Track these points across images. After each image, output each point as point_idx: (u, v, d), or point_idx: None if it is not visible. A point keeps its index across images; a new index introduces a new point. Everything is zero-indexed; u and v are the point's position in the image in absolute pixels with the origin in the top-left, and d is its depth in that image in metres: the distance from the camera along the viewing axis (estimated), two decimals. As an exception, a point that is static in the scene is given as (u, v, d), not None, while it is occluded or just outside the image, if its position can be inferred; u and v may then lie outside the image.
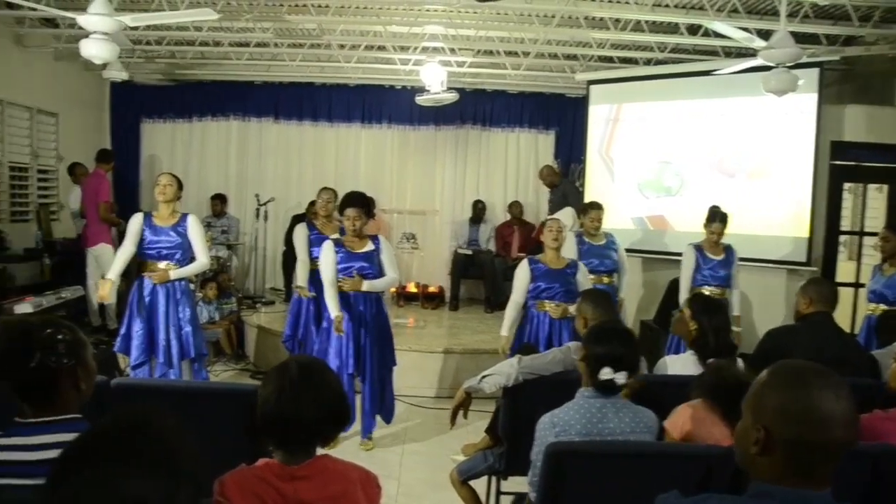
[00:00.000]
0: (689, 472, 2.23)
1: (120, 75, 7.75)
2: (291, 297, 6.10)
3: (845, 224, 7.57)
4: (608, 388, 2.48)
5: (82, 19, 5.08)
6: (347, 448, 4.93)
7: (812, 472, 1.37)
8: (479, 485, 3.69)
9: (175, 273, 4.91)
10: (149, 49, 8.47)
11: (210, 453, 1.35)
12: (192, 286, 7.08)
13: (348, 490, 1.84)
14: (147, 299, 4.90)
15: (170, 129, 9.83)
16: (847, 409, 1.37)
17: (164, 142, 9.83)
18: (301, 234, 5.89)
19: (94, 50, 5.17)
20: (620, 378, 2.46)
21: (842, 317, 4.57)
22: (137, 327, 4.87)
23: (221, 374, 6.81)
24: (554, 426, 2.46)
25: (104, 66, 7.32)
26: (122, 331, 4.96)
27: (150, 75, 9.30)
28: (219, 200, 9.21)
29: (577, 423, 2.45)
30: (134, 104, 9.61)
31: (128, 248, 4.93)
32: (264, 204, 9.01)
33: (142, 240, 4.92)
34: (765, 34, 5.75)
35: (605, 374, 2.44)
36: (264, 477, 1.77)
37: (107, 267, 7.18)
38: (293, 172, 9.84)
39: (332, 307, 4.78)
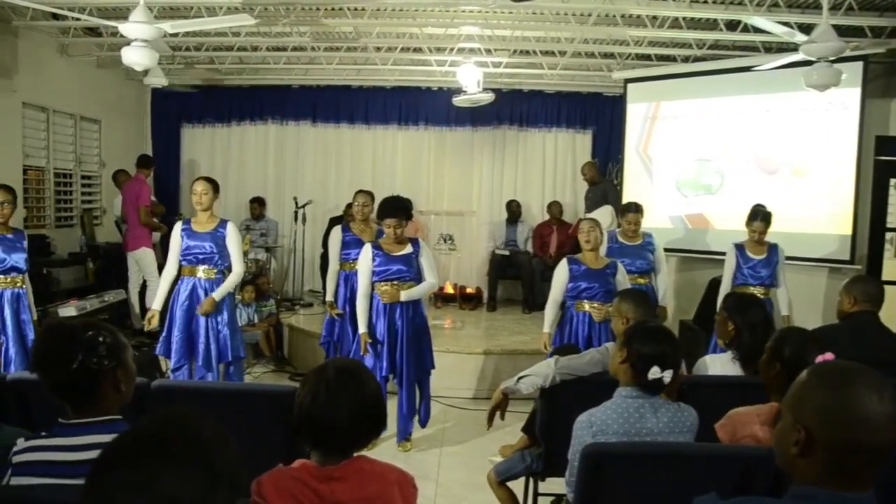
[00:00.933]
0: (729, 474, 2.20)
1: (160, 81, 7.89)
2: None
3: (891, 221, 7.38)
4: (655, 388, 2.45)
5: (123, 27, 5.19)
6: (384, 450, 4.94)
7: (854, 474, 1.34)
8: (517, 486, 3.68)
9: (218, 296, 4.95)
10: (188, 55, 8.60)
11: (248, 454, 1.36)
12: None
13: (385, 491, 1.84)
14: (186, 304, 4.97)
15: (209, 133, 9.98)
16: (890, 410, 1.34)
17: (203, 146, 9.99)
18: (335, 237, 5.87)
19: (135, 57, 5.28)
20: (667, 376, 2.43)
21: (890, 317, 4.45)
22: (177, 331, 4.95)
23: (261, 375, 6.89)
24: (591, 426, 2.44)
25: (145, 72, 7.47)
26: (164, 334, 5.05)
27: (189, 81, 9.46)
28: (257, 204, 9.31)
29: (615, 423, 2.42)
30: (174, 110, 9.79)
31: (171, 271, 5.03)
32: (302, 207, 9.10)
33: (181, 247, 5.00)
34: (806, 28, 5.64)
35: (654, 373, 2.40)
36: (301, 477, 1.78)
37: (147, 270, 7.39)
38: (331, 175, 9.91)
39: (362, 322, 4.82)
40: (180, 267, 5.04)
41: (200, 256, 4.98)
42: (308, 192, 9.61)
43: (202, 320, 4.95)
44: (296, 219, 9.16)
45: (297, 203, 9.16)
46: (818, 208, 6.85)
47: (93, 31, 7.75)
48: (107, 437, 1.33)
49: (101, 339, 1.81)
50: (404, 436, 5.10)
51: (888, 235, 7.38)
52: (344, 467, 1.81)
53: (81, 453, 1.70)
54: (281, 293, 8.99)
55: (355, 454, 1.86)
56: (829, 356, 2.28)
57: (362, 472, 1.83)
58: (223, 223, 5.06)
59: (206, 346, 4.95)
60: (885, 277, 6.81)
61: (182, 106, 9.79)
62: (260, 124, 9.93)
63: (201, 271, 4.98)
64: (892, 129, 6.79)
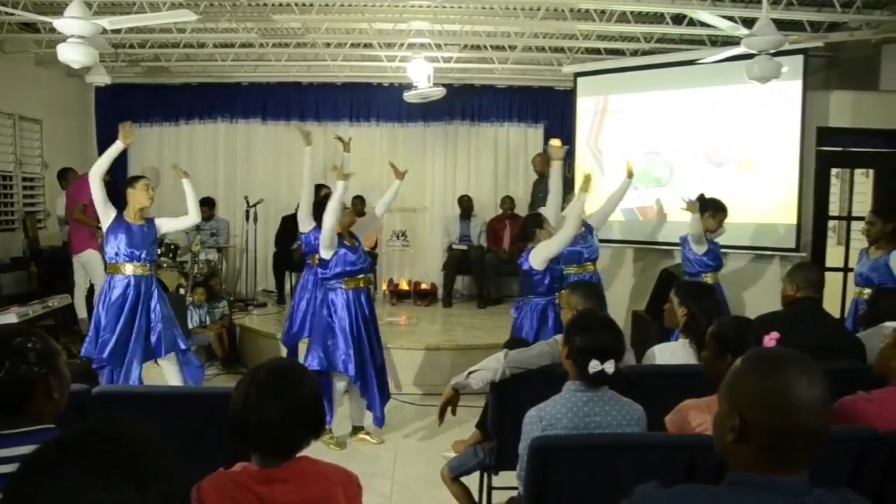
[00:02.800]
0: (676, 464, 2.22)
1: (103, 79, 7.70)
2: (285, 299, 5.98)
3: (833, 209, 7.57)
4: (599, 381, 2.46)
5: (58, 23, 5.04)
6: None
7: (788, 458, 1.36)
8: (472, 480, 3.68)
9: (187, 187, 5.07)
10: (132, 52, 8.43)
11: (192, 458, 1.32)
12: (181, 290, 7.08)
13: (328, 492, 1.81)
14: (119, 302, 4.82)
15: (157, 133, 9.79)
16: (820, 396, 1.36)
17: (151, 146, 9.78)
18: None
19: (71, 54, 5.14)
20: (609, 368, 2.43)
21: (832, 301, 4.57)
22: (107, 331, 4.79)
23: (214, 378, 6.78)
24: (541, 420, 2.44)
25: (87, 70, 7.28)
26: (90, 335, 4.88)
27: (134, 79, 9.24)
28: (206, 206, 9.11)
29: (564, 417, 2.42)
30: (119, 109, 9.51)
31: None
32: (254, 206, 8.98)
33: (114, 238, 4.85)
34: (749, 22, 5.73)
35: (594, 366, 2.41)
36: (241, 481, 1.75)
37: (94, 273, 7.21)
38: (282, 173, 9.80)
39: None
40: (107, 265, 4.95)
41: (137, 253, 4.86)
42: (259, 191, 9.49)
43: (136, 318, 4.83)
44: (247, 218, 9.03)
45: (248, 202, 9.03)
46: (765, 198, 6.98)
47: (30, 27, 7.53)
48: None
49: (30, 345, 1.75)
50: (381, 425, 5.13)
51: (831, 223, 7.58)
52: (285, 469, 1.78)
53: (9, 466, 1.64)
54: (233, 294, 8.87)
55: (298, 455, 1.84)
56: (774, 335, 2.33)
57: (304, 474, 1.80)
58: (151, 220, 5.00)
59: (140, 344, 4.83)
60: (828, 264, 7.00)
61: (128, 105, 9.52)
62: (209, 123, 9.77)
63: (133, 268, 4.87)
64: (833, 121, 6.94)
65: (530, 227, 5.11)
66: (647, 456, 2.28)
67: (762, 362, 1.42)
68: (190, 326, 6.70)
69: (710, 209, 5.74)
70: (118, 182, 9.34)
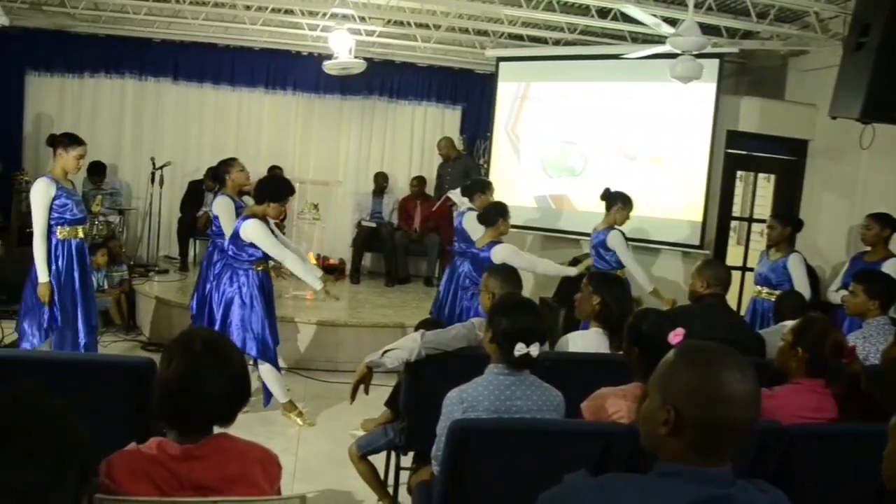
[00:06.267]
0: (592, 450, 2.26)
1: (1, 21, 7.19)
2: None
3: (736, 210, 7.89)
4: (523, 364, 2.47)
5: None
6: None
7: (717, 450, 1.40)
8: (378, 460, 3.66)
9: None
10: (35, -4, 7.91)
11: (98, 431, 1.24)
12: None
13: (246, 470, 1.75)
14: (66, 268, 4.67)
15: (58, 83, 9.20)
16: (752, 389, 1.41)
17: (51, 97, 9.18)
18: (228, 208, 5.26)
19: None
20: (534, 351, 2.45)
21: (731, 299, 4.76)
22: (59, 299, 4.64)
23: (111, 345, 6.48)
24: (462, 402, 2.44)
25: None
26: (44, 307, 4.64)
27: (35, 22, 8.65)
28: (96, 174, 8.49)
29: (486, 400, 2.43)
30: (17, 54, 8.91)
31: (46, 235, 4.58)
32: (160, 168, 8.60)
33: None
34: (670, 22, 5.87)
35: (520, 349, 2.42)
36: (156, 457, 1.67)
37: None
38: (192, 136, 9.42)
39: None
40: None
41: (80, 216, 4.68)
42: (167, 153, 9.08)
43: (81, 285, 4.69)
44: (152, 181, 8.65)
45: (154, 164, 8.64)
46: (674, 195, 7.21)
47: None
48: None
49: None
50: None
51: (733, 224, 7.91)
52: (203, 446, 1.70)
53: None
54: (134, 258, 8.51)
55: (216, 431, 1.77)
56: (680, 331, 2.40)
57: (223, 451, 1.73)
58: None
59: (86, 313, 4.72)
60: (728, 262, 7.29)
61: (27, 51, 8.94)
62: (116, 78, 9.24)
63: (81, 231, 4.71)
64: (742, 125, 7.21)
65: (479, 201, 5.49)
66: (565, 441, 2.32)
67: (696, 357, 1.45)
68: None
69: (619, 202, 5.74)
70: (11, 124, 8.84)
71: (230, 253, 4.81)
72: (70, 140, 4.66)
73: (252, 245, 4.67)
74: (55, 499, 1.02)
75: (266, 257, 4.79)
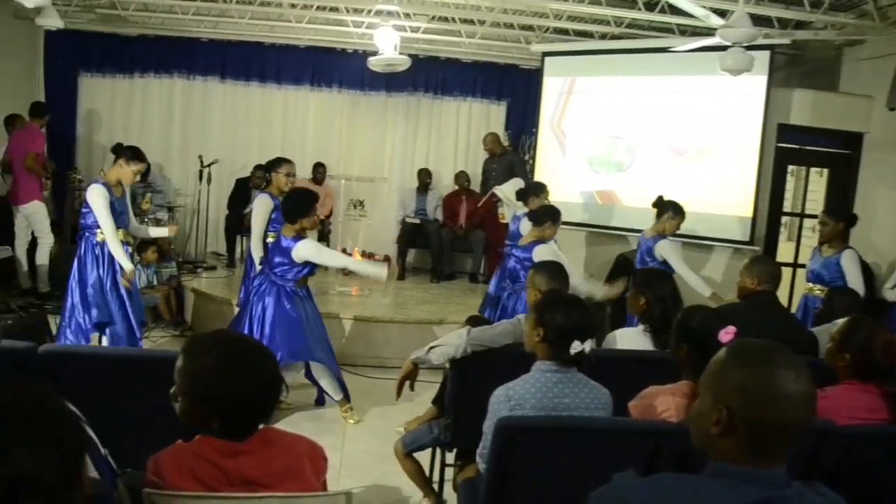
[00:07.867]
0: (640, 450, 2.22)
1: (55, 23, 7.33)
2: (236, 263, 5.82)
3: (787, 206, 7.71)
4: (572, 362, 2.44)
5: (10, -40, 4.79)
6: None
7: (772, 451, 1.36)
8: (424, 457, 3.66)
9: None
10: (88, -3, 8.08)
11: (147, 427, 1.26)
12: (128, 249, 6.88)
13: (296, 464, 1.75)
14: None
15: (109, 84, 9.40)
16: (807, 389, 1.37)
17: (103, 97, 9.40)
18: (265, 206, 5.38)
19: (22, -7, 4.89)
20: (587, 347, 2.43)
21: (781, 296, 4.66)
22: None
23: (160, 340, 6.61)
24: (509, 399, 2.41)
25: (37, 13, 6.92)
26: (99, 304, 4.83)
27: (88, 25, 8.86)
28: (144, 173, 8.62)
29: (533, 398, 2.40)
30: (71, 56, 9.14)
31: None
32: (208, 166, 8.74)
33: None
34: (719, 13, 5.75)
35: (576, 347, 2.39)
36: (203, 453, 1.66)
37: (38, 226, 6.94)
38: (239, 134, 9.54)
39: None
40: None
41: (124, 224, 4.88)
42: (214, 151, 9.22)
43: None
44: (200, 178, 8.80)
45: (202, 162, 8.79)
46: (723, 190, 7.08)
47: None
48: None
49: None
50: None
51: (784, 219, 7.73)
52: (251, 441, 1.70)
53: None
54: (182, 255, 8.66)
55: (261, 426, 1.77)
56: (731, 329, 2.35)
57: (271, 445, 1.73)
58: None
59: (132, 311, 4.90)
60: (778, 259, 7.14)
61: (80, 52, 9.15)
62: (165, 78, 9.42)
63: (121, 234, 4.86)
64: (793, 118, 7.04)
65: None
66: (613, 440, 2.28)
67: (749, 354, 1.41)
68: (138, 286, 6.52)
69: (671, 210, 5.59)
70: (64, 123, 9.04)
71: (277, 272, 4.67)
72: (134, 154, 4.84)
73: (305, 263, 4.64)
74: (61, 489, 1.06)
75: (313, 272, 4.80)
